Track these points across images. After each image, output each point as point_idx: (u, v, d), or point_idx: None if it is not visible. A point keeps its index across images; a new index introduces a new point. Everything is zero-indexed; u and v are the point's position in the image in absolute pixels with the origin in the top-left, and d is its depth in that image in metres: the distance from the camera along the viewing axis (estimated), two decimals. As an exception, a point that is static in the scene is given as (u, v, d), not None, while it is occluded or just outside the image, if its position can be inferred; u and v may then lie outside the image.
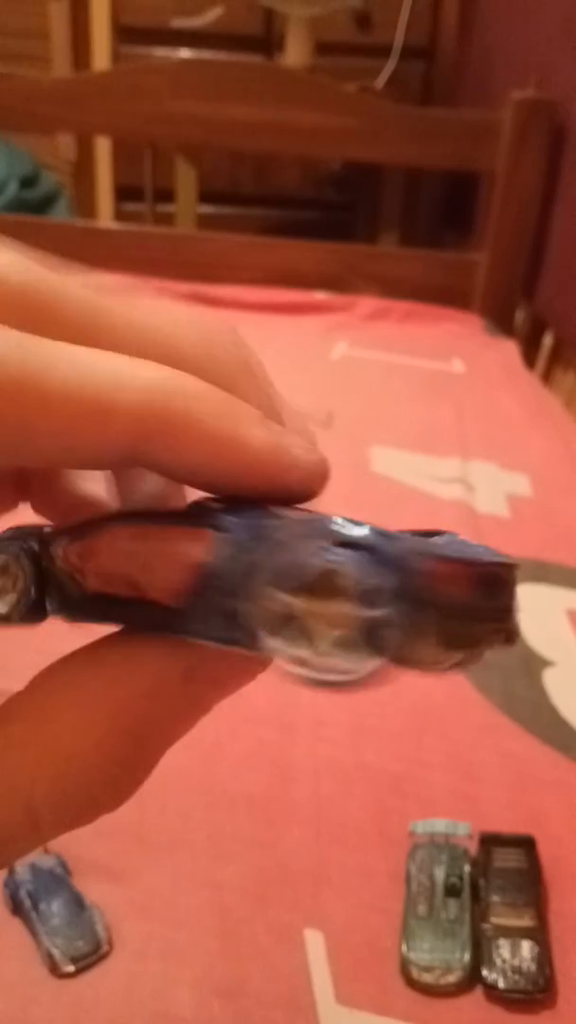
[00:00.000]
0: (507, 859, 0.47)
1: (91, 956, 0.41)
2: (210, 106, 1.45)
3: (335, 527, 0.14)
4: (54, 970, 0.41)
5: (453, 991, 0.42)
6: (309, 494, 0.15)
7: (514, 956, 0.43)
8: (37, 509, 0.19)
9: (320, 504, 0.16)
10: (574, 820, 0.51)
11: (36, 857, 0.45)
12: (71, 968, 0.41)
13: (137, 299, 0.16)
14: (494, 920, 0.44)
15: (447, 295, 1.51)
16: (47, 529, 0.16)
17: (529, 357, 1.41)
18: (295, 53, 1.87)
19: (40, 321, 0.14)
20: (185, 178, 1.80)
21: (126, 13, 2.06)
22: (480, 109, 1.64)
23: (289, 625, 0.13)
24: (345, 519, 0.14)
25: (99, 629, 0.16)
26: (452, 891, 0.45)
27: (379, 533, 0.14)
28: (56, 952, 0.41)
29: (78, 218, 2.13)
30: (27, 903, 0.43)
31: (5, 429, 0.13)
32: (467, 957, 0.42)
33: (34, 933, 0.42)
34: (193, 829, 0.48)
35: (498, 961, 0.42)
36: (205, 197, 1.86)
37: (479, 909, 0.45)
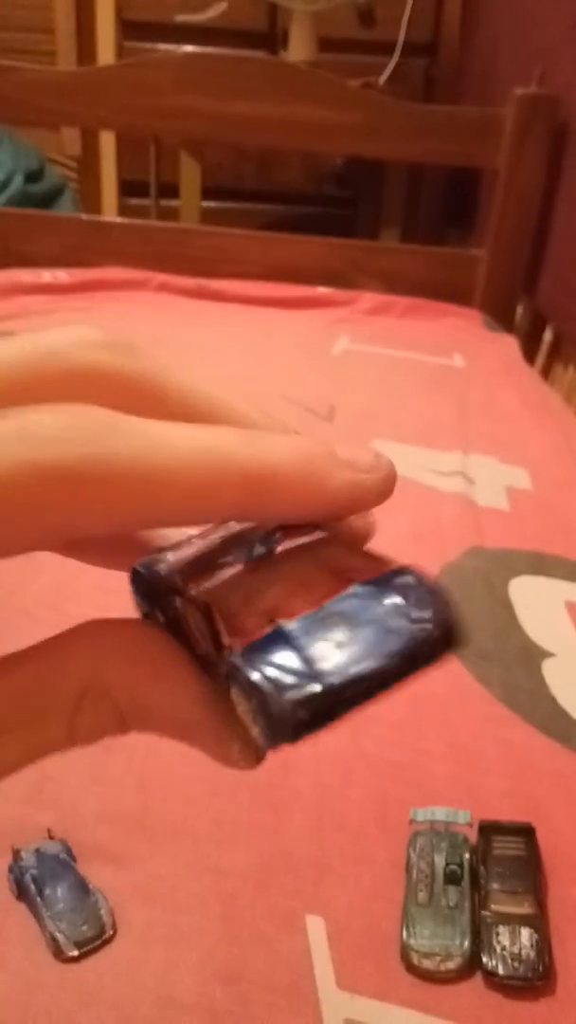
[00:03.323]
0: (507, 847, 0.47)
1: (95, 941, 0.42)
2: (214, 101, 1.45)
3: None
4: (58, 955, 0.41)
5: (453, 977, 0.42)
6: (379, 503, 0.17)
7: (513, 943, 0.43)
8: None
9: None
10: (573, 809, 0.51)
11: (41, 842, 0.46)
12: (75, 953, 0.41)
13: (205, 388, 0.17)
14: (494, 907, 0.44)
15: (448, 291, 1.51)
16: None
17: (529, 352, 1.41)
18: (298, 49, 1.87)
19: (151, 405, 0.16)
20: (189, 173, 1.80)
21: (130, 8, 2.06)
22: (482, 105, 1.64)
23: None
24: None
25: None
26: (452, 878, 0.46)
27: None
28: (60, 937, 0.42)
29: (83, 212, 2.13)
30: (32, 888, 0.43)
31: (136, 513, 0.14)
32: (467, 944, 0.43)
33: (38, 918, 0.43)
34: (196, 816, 0.49)
35: (497, 948, 0.43)
36: (208, 192, 1.86)
37: (479, 896, 0.45)
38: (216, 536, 0.17)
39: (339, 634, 0.15)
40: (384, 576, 0.16)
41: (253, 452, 0.15)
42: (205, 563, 0.16)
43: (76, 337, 0.15)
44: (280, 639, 0.15)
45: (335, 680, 0.14)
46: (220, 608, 0.15)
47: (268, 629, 0.15)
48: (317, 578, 0.15)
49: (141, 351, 0.16)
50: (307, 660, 0.14)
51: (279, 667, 0.14)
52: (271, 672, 0.14)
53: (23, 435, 0.13)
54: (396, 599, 0.15)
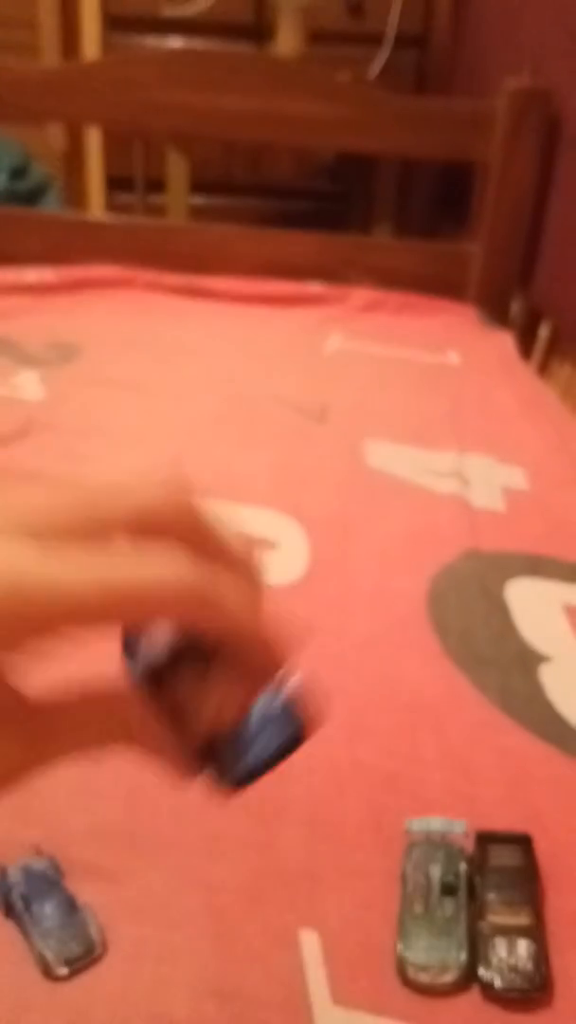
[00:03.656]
0: (503, 857, 0.47)
1: (85, 959, 0.41)
2: (201, 96, 1.43)
3: None
4: (47, 973, 0.40)
5: (450, 990, 0.41)
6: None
7: (511, 955, 0.42)
8: None
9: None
10: (571, 817, 0.51)
11: (29, 859, 0.45)
12: (64, 971, 0.41)
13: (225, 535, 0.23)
14: (491, 918, 0.44)
15: (442, 286, 1.50)
16: None
17: (525, 348, 1.40)
18: (287, 42, 1.85)
19: (206, 551, 0.22)
20: (176, 168, 1.79)
21: (116, 2, 2.04)
22: (474, 98, 1.63)
23: None
24: None
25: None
26: (448, 889, 0.45)
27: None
28: (49, 955, 0.41)
29: (68, 209, 2.12)
30: (19, 905, 0.43)
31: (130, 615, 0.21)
32: (463, 956, 0.42)
33: (27, 936, 0.42)
34: (186, 829, 0.48)
35: (495, 960, 0.42)
36: (197, 187, 1.85)
37: (475, 907, 0.44)
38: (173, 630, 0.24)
39: (256, 727, 0.24)
40: (281, 679, 0.24)
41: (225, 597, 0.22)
42: (171, 663, 0.24)
43: (144, 485, 0.21)
44: (221, 740, 0.24)
45: (256, 762, 0.24)
46: (183, 711, 0.23)
47: (213, 732, 0.24)
48: (242, 683, 0.24)
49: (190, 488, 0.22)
50: (239, 749, 0.24)
51: (224, 757, 0.24)
52: (219, 764, 0.24)
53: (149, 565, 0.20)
54: (289, 696, 0.24)
